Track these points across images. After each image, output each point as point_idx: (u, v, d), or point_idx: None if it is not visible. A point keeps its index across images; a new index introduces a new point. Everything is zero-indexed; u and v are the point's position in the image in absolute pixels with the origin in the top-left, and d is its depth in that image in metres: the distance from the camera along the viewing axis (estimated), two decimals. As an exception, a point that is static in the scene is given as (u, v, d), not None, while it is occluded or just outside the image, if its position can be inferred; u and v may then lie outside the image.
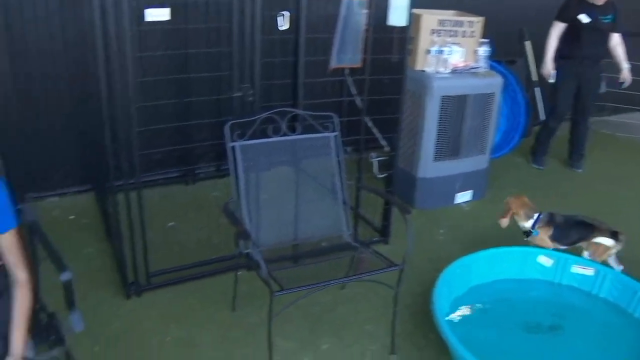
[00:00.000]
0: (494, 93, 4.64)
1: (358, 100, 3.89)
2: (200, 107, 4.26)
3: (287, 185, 3.24)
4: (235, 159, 3.02)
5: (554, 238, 3.74)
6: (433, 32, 4.45)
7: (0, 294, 1.99)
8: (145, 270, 3.40)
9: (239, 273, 3.56)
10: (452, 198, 4.78)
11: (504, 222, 3.78)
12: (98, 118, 3.51)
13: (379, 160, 4.87)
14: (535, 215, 3.76)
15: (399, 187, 4.17)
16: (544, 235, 3.74)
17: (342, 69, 3.74)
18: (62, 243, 2.36)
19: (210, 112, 4.45)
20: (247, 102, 3.28)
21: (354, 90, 4.06)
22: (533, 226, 3.75)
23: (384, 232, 4.07)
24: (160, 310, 3.34)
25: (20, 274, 2.06)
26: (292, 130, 3.15)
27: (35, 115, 4.34)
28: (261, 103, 3.33)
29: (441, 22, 4.46)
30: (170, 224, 3.55)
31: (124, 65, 2.91)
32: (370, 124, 4.11)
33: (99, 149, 3.86)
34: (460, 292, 3.46)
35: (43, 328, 2.33)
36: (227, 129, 2.99)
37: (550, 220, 3.74)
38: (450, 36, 4.51)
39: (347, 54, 3.46)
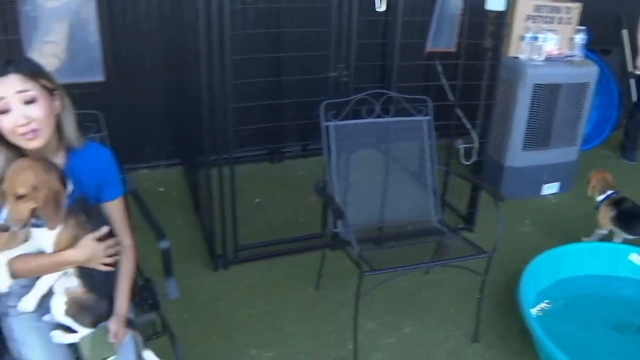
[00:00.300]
0: (588, 83, 4.48)
1: (447, 86, 3.85)
2: (290, 86, 4.30)
3: (377, 167, 3.24)
4: (328, 138, 3.04)
5: (615, 221, 3.68)
6: (528, 17, 4.33)
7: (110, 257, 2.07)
8: (234, 244, 3.48)
9: (323, 252, 3.61)
10: (539, 189, 4.67)
11: (588, 192, 3.84)
12: (192, 94, 3.61)
13: (464, 147, 4.79)
14: (608, 192, 3.74)
15: (485, 175, 4.10)
16: (605, 213, 3.72)
17: (435, 53, 3.70)
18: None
19: (300, 92, 4.50)
20: (341, 82, 3.28)
21: (442, 76, 4.02)
22: (601, 202, 3.73)
23: (469, 220, 4.02)
24: (246, 283, 3.42)
25: (126, 239, 2.15)
26: (384, 112, 3.14)
27: (130, 90, 4.50)
28: (354, 84, 3.33)
29: (537, 8, 4.33)
30: (257, 200, 3.62)
31: (223, 42, 2.96)
32: (460, 112, 4.05)
33: (191, 124, 3.97)
34: (546, 285, 3.38)
35: (140, 292, 2.43)
36: (322, 108, 3.01)
37: (618, 202, 3.70)
38: (546, 22, 4.38)
39: (443, 38, 3.42)
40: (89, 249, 1.94)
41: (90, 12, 2.74)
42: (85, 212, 1.96)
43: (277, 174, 3.88)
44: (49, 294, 2.02)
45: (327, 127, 3.04)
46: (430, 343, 3.04)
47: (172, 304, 2.44)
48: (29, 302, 2.01)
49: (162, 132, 4.73)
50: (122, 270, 2.11)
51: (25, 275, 1.95)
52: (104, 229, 1.99)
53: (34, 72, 1.84)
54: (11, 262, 1.91)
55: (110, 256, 2.02)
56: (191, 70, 3.84)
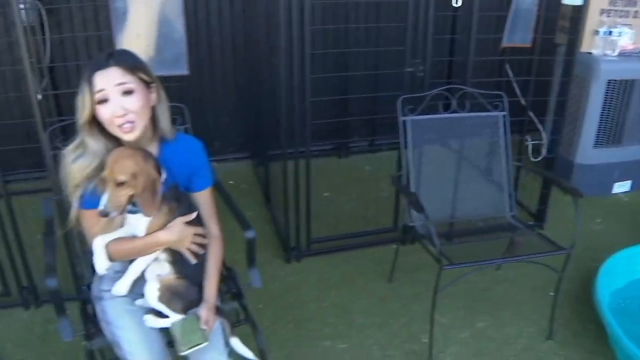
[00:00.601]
0: (664, 79, 4.36)
1: (515, 84, 3.81)
2: (358, 81, 4.33)
3: (451, 161, 3.23)
4: (405, 133, 3.05)
5: None
6: (603, 12, 4.23)
7: (200, 246, 2.12)
8: (307, 237, 3.52)
9: (394, 246, 3.62)
10: (610, 187, 4.57)
11: None
12: (264, 88, 3.66)
13: (533, 144, 4.73)
14: None
15: (555, 172, 4.04)
16: None
17: (508, 49, 3.67)
18: (224, 205, 2.49)
19: (367, 87, 4.54)
20: (416, 77, 3.28)
21: (510, 72, 3.98)
22: None
23: (539, 217, 3.97)
24: (318, 276, 3.47)
25: (214, 228, 2.20)
26: (460, 107, 3.13)
27: (202, 84, 4.59)
28: (429, 79, 3.33)
29: (612, 2, 4.22)
30: (326, 194, 3.65)
31: (303, 37, 3.00)
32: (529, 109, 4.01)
33: (262, 118, 4.03)
34: (621, 284, 3.32)
35: (224, 281, 2.48)
36: (399, 103, 3.02)
37: None
38: (621, 16, 4.27)
39: (518, 33, 3.38)
40: (178, 231, 1.99)
41: (176, 9, 2.82)
42: (176, 200, 2.02)
43: (345, 168, 3.91)
44: (140, 279, 2.09)
45: (404, 121, 3.05)
46: (503, 339, 3.02)
47: (246, 294, 2.48)
48: (122, 285, 2.09)
49: (232, 126, 4.82)
50: (211, 259, 2.16)
51: (119, 258, 2.02)
52: (194, 214, 2.05)
53: (133, 65, 1.91)
54: (107, 246, 1.99)
55: (197, 245, 2.07)
56: (262, 65, 3.91)
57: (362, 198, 3.85)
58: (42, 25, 4.03)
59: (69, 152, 1.98)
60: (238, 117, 4.79)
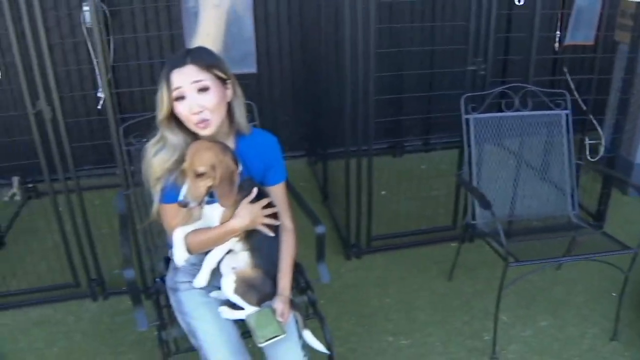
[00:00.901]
0: None
1: (572, 84, 3.77)
2: (413, 80, 4.34)
3: (513, 159, 3.22)
4: (468, 131, 3.05)
5: None
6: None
7: (274, 239, 2.17)
8: (367, 234, 3.55)
9: (453, 244, 3.63)
10: (670, 187, 4.48)
11: None
12: (322, 88, 3.68)
13: (590, 143, 4.67)
14: None
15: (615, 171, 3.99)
16: None
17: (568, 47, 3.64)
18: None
19: (421, 86, 4.55)
20: (478, 75, 3.28)
21: (566, 69, 3.94)
22: None
23: (599, 217, 3.91)
24: (378, 273, 3.49)
25: (287, 222, 2.24)
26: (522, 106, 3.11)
27: (261, 83, 4.66)
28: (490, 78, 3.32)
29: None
30: (382, 192, 3.67)
31: (368, 35, 3.03)
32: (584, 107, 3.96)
33: (321, 117, 4.06)
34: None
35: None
36: (462, 101, 3.03)
37: None
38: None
39: (582, 31, 3.35)
40: (247, 213, 2.03)
41: (246, 8, 2.87)
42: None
43: (400, 167, 3.93)
44: (215, 272, 2.14)
45: (467, 120, 3.05)
46: (566, 339, 3.00)
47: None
48: (201, 278, 2.14)
49: (288, 124, 4.87)
50: (284, 253, 2.20)
51: (196, 249, 2.08)
52: (254, 191, 2.07)
53: (209, 63, 1.96)
54: (186, 237, 2.06)
55: (270, 217, 2.11)
56: (321, 64, 3.95)
57: (418, 197, 3.86)
58: (106, 26, 4.14)
59: (150, 147, 2.06)
60: (294, 115, 4.85)
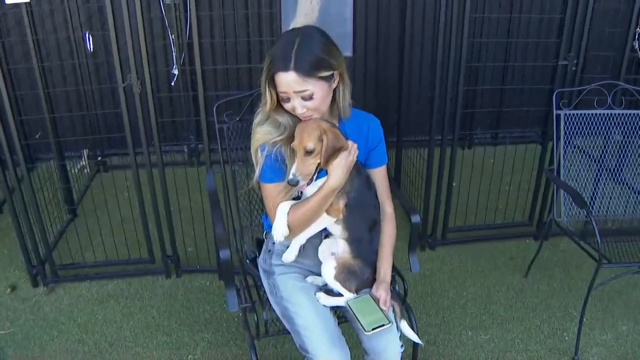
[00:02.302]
0: None
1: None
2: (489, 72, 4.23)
3: (603, 158, 3.09)
4: (558, 127, 2.94)
5: None
6: None
7: (374, 224, 2.10)
8: (443, 226, 3.47)
9: (528, 240, 3.54)
10: None
11: None
12: (403, 77, 3.59)
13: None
14: None
15: None
16: None
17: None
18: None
19: (495, 78, 4.43)
20: (570, 71, 3.16)
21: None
22: None
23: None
24: (452, 265, 3.42)
25: (388, 207, 2.18)
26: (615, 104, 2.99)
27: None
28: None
29: None
30: (454, 184, 3.57)
31: (462, 25, 2.93)
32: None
33: (399, 103, 3.95)
34: None
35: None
36: (555, 97, 2.92)
37: None
38: None
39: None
40: (342, 166, 1.91)
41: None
42: (356, 170, 2.00)
43: (469, 159, 3.81)
44: (308, 251, 2.12)
45: (558, 115, 2.94)
46: (650, 344, 2.90)
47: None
48: (290, 253, 2.09)
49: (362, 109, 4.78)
50: (384, 239, 2.14)
51: (296, 224, 1.97)
52: (350, 145, 1.94)
53: (314, 66, 1.84)
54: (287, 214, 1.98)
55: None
56: (403, 50, 3.84)
57: (490, 190, 3.75)
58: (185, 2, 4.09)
59: (257, 116, 2.01)
60: (369, 100, 4.76)
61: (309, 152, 1.85)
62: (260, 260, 2.28)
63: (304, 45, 1.85)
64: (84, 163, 4.55)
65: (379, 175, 2.16)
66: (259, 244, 2.37)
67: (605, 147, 3.10)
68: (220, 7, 4.23)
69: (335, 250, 2.09)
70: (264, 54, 4.39)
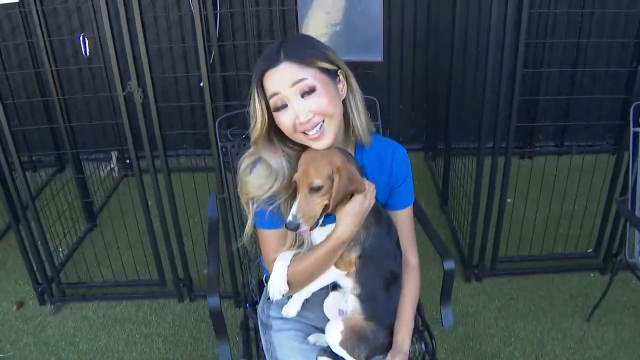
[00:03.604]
0: None
1: None
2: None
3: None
4: (635, 147, 2.39)
5: None
6: None
7: (394, 279, 1.64)
8: (493, 254, 2.95)
9: (591, 274, 2.99)
10: None
11: None
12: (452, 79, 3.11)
13: None
14: None
15: None
16: None
17: None
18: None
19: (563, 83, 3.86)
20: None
21: None
22: None
23: None
24: (502, 302, 2.90)
25: (412, 257, 1.72)
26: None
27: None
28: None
29: None
30: (509, 200, 3.05)
31: (516, 23, 2.41)
32: None
33: (446, 108, 3.47)
34: None
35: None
36: (632, 111, 2.37)
37: None
38: None
39: None
40: (356, 213, 1.45)
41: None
42: (376, 213, 1.54)
43: (528, 171, 3.27)
44: (314, 302, 1.70)
45: (636, 133, 2.39)
46: None
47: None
48: (291, 308, 1.70)
49: (405, 114, 4.35)
50: (406, 297, 1.69)
51: (298, 279, 1.55)
52: (367, 185, 1.48)
53: (311, 55, 1.42)
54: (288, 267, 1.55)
55: None
56: (450, 52, 3.34)
57: (551, 209, 3.21)
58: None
59: (243, 161, 1.57)
60: (411, 104, 4.28)
61: (315, 189, 1.42)
62: (259, 310, 1.88)
63: (291, 42, 1.46)
64: (112, 166, 4.25)
65: (403, 218, 1.69)
66: (261, 288, 1.97)
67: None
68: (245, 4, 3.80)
69: (344, 308, 1.67)
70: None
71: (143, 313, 2.93)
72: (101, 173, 4.09)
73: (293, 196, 1.48)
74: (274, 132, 1.50)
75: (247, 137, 2.01)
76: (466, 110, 3.39)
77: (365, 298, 1.60)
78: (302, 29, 2.32)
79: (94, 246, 3.25)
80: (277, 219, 1.53)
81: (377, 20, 2.25)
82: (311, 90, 1.40)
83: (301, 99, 1.40)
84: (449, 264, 1.88)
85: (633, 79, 2.65)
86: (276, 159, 1.51)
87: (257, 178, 1.53)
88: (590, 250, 3.10)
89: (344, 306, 1.66)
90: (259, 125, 1.46)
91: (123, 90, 2.44)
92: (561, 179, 3.22)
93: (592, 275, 3.03)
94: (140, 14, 2.31)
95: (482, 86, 2.58)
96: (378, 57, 2.37)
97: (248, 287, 2.09)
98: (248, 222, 1.59)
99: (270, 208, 1.52)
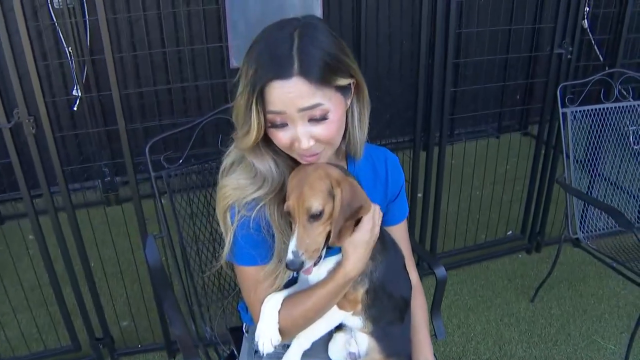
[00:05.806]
0: None
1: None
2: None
3: (619, 158, 2.54)
4: (565, 127, 2.36)
5: None
6: None
7: (407, 306, 1.40)
8: (431, 251, 2.81)
9: (519, 256, 2.96)
10: None
11: None
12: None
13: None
14: None
15: None
16: None
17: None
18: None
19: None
20: (564, 60, 2.54)
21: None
22: None
23: None
24: (449, 299, 2.80)
25: (413, 275, 1.49)
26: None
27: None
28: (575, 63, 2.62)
29: None
30: (419, 195, 2.92)
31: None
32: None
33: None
34: None
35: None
36: (559, 92, 2.33)
37: None
38: None
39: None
40: (363, 244, 1.19)
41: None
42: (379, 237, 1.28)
43: (430, 163, 3.17)
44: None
45: (564, 114, 2.35)
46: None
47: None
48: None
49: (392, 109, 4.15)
50: (418, 318, 1.48)
51: (293, 325, 1.25)
52: (375, 209, 1.23)
53: (330, 69, 1.09)
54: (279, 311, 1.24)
55: None
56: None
57: (461, 198, 3.14)
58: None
59: (225, 158, 1.28)
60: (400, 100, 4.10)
61: (315, 216, 1.12)
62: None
63: (309, 39, 1.09)
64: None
65: (400, 233, 1.46)
66: (236, 337, 1.63)
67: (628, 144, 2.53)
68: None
69: (355, 351, 1.39)
70: (198, 71, 3.47)
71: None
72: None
73: (283, 201, 1.18)
74: (262, 140, 1.18)
75: (185, 162, 1.70)
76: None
77: (382, 335, 1.34)
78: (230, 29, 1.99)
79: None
80: (260, 250, 1.23)
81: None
82: (323, 117, 1.11)
83: (307, 123, 1.11)
84: (441, 272, 1.71)
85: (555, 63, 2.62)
86: (262, 162, 1.21)
87: (237, 180, 1.22)
88: (510, 232, 3.09)
89: (355, 348, 1.39)
90: (252, 138, 1.13)
91: (8, 121, 1.94)
92: (457, 166, 3.12)
93: (520, 256, 3.02)
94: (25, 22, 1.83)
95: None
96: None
97: (214, 337, 1.74)
98: (227, 241, 1.24)
99: (254, 215, 1.21)
